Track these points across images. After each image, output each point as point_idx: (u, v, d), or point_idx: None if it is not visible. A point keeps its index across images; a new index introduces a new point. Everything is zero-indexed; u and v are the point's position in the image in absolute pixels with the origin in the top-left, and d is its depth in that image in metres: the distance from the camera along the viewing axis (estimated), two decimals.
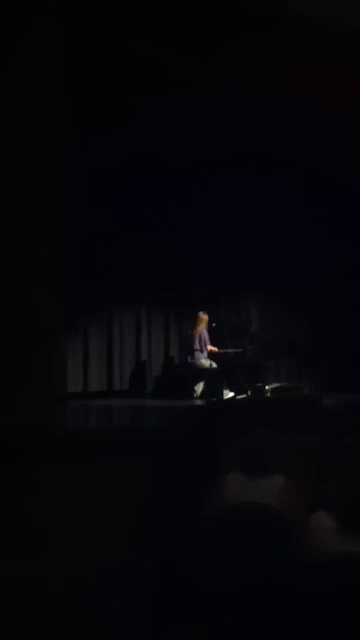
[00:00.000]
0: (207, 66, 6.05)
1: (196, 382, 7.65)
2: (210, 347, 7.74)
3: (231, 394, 7.33)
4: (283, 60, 6.11)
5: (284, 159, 8.07)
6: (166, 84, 6.21)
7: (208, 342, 7.76)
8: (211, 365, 7.63)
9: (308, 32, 5.86)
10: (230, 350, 7.68)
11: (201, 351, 7.70)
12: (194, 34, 5.68)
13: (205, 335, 7.77)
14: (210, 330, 7.85)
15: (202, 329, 7.76)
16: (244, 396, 7.13)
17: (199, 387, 7.65)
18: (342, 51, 6.15)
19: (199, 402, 7.35)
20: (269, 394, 7.37)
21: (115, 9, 5.29)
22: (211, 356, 7.70)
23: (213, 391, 7.43)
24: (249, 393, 7.20)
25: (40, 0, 4.57)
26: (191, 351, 7.75)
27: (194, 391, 7.61)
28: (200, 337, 7.73)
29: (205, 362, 7.65)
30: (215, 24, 5.65)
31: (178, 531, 2.35)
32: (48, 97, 4.57)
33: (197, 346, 7.70)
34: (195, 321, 7.80)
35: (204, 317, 7.81)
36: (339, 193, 8.35)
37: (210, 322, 7.88)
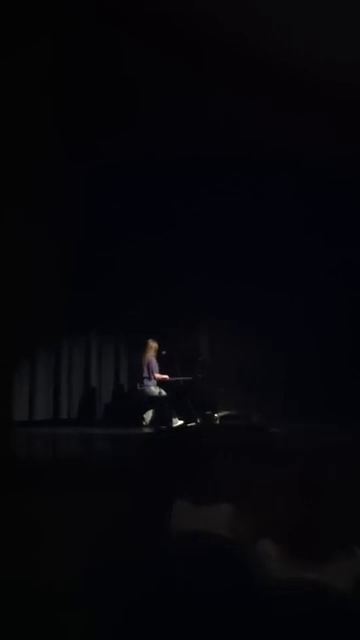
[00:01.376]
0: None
1: (145, 410, 7.63)
2: (158, 375, 7.74)
3: (180, 422, 7.33)
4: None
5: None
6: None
7: (156, 370, 7.77)
8: (160, 393, 7.62)
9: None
10: (180, 378, 7.70)
11: (149, 379, 7.69)
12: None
13: (154, 363, 7.77)
14: (160, 358, 7.86)
15: (151, 357, 7.77)
16: (193, 424, 7.13)
17: (148, 415, 7.62)
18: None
19: (148, 430, 7.32)
20: (218, 422, 7.40)
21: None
22: (161, 384, 7.70)
23: (162, 419, 7.41)
24: (198, 421, 7.21)
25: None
26: (140, 379, 7.73)
27: (143, 419, 7.58)
28: (149, 365, 7.73)
29: (154, 390, 7.64)
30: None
31: (128, 559, 2.33)
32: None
33: (146, 374, 7.69)
34: (144, 348, 7.80)
35: (153, 345, 7.82)
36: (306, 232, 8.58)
37: (160, 350, 7.88)
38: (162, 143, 6.92)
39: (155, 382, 7.69)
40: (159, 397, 7.60)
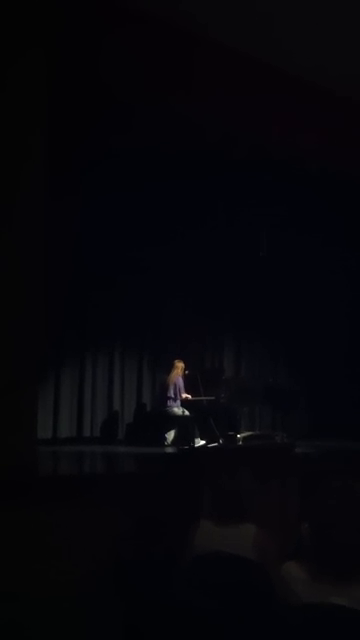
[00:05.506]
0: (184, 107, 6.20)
1: (168, 429, 7.59)
2: (185, 395, 7.71)
3: (202, 442, 7.28)
4: (261, 104, 6.32)
5: (252, 207, 8.33)
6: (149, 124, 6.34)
7: (183, 390, 7.74)
8: (184, 412, 7.58)
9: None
10: (203, 398, 7.65)
11: (175, 399, 7.66)
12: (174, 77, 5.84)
13: (180, 383, 7.74)
14: (184, 378, 7.83)
15: (178, 377, 7.74)
16: (215, 444, 7.08)
17: (170, 435, 7.58)
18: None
19: (170, 450, 7.28)
20: (241, 442, 7.33)
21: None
22: (183, 404, 7.66)
23: (185, 439, 7.37)
24: (221, 441, 7.15)
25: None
26: (164, 398, 7.70)
27: (165, 439, 7.53)
28: (176, 385, 7.70)
29: (178, 410, 7.60)
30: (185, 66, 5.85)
31: (149, 578, 2.31)
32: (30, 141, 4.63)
33: (171, 394, 7.65)
34: (171, 369, 7.77)
35: (180, 365, 7.79)
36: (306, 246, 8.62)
37: (184, 370, 7.85)
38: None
39: (179, 402, 7.66)
40: (182, 417, 7.56)
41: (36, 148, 4.63)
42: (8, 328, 4.35)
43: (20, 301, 4.42)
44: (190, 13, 5.46)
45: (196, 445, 7.20)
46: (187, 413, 7.57)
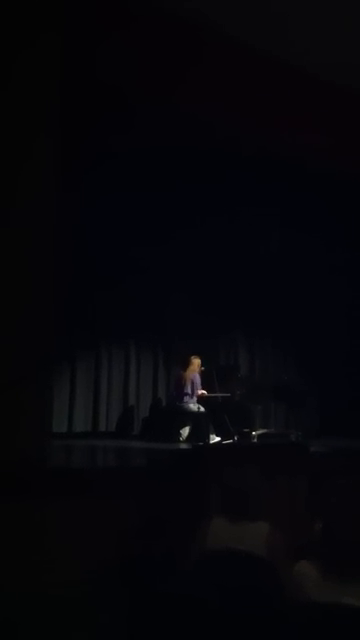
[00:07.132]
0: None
1: (182, 425, 7.59)
2: (201, 391, 7.70)
3: (217, 439, 7.27)
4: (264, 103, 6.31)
5: (262, 205, 8.32)
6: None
7: (199, 386, 7.73)
8: (199, 409, 7.57)
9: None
10: (218, 394, 7.64)
11: (191, 395, 7.65)
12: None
13: (197, 379, 7.73)
14: (200, 374, 7.82)
15: (194, 373, 7.73)
16: (230, 441, 7.07)
17: (185, 431, 7.58)
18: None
19: (185, 446, 7.28)
20: (256, 439, 7.31)
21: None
22: (199, 400, 7.66)
23: (199, 435, 7.36)
24: (235, 438, 7.14)
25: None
26: (181, 394, 7.69)
27: (180, 435, 7.53)
28: (192, 381, 7.69)
29: (193, 406, 7.60)
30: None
31: (161, 573, 2.31)
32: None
33: (188, 390, 7.65)
34: (187, 365, 7.76)
35: (196, 361, 7.77)
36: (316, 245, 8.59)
37: (200, 366, 7.84)
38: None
39: (195, 398, 7.65)
40: (198, 413, 7.55)
41: (42, 149, 4.64)
42: (13, 324, 4.35)
43: (25, 296, 4.41)
44: (194, 11, 5.45)
45: (211, 442, 7.20)
46: (202, 409, 7.56)
